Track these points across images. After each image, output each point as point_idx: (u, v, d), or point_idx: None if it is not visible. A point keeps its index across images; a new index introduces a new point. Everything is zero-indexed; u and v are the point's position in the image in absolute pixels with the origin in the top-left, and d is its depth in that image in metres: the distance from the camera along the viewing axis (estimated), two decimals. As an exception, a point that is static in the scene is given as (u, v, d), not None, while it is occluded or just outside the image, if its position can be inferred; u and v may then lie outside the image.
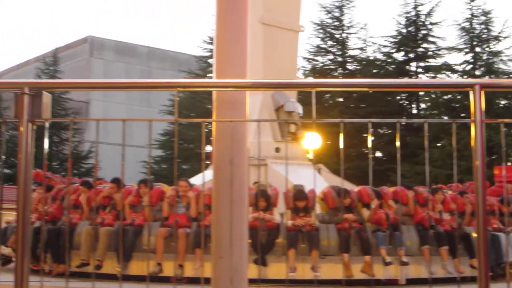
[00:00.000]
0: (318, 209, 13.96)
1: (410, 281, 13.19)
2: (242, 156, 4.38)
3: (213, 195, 4.43)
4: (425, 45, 39.60)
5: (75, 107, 48.33)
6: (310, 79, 34.80)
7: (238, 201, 4.32)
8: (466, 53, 37.57)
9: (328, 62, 41.55)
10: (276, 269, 12.91)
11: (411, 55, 39.55)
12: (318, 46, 41.58)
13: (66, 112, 44.66)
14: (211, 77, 41.53)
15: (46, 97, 4.03)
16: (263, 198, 13.19)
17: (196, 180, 17.12)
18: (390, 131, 36.97)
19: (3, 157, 4.82)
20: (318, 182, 13.80)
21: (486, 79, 27.63)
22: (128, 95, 57.07)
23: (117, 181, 14.48)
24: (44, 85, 4.20)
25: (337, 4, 41.64)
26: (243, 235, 4.35)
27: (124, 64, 58.57)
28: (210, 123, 4.48)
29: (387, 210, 13.59)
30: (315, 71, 40.35)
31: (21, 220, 3.91)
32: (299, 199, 13.45)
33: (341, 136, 4.42)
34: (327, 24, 41.55)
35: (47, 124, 4.04)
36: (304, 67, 41.15)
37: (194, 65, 47.87)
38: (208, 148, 41.57)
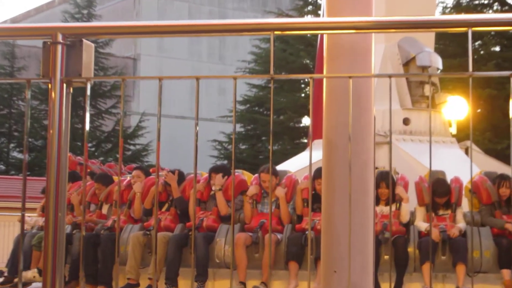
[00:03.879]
0: (465, 205, 13.83)
1: None
2: (366, 128, 4.25)
3: (324, 185, 4.38)
4: None
5: (119, 66, 48.67)
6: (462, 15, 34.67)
7: (361, 191, 4.23)
8: None
9: (480, -5, 40.90)
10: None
11: None
12: (465, -28, 40.97)
13: (105, 72, 44.79)
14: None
15: (88, 48, 4.05)
16: (387, 190, 13.10)
17: (290, 164, 17.08)
18: None
19: (25, 136, 4.78)
20: (466, 167, 13.62)
21: None
22: (192, 48, 57.08)
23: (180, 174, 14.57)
24: (83, 31, 4.22)
25: None
26: (367, 239, 4.29)
27: (187, 4, 58.61)
28: (312, 82, 4.27)
29: None
30: (460, 8, 39.65)
31: (52, 225, 3.90)
32: (439, 192, 13.33)
33: (511, 98, 3.97)
34: None
35: (89, 86, 4.05)
36: (443, 2, 40.54)
37: (285, 3, 47.80)
38: (306, 121, 41.18)
